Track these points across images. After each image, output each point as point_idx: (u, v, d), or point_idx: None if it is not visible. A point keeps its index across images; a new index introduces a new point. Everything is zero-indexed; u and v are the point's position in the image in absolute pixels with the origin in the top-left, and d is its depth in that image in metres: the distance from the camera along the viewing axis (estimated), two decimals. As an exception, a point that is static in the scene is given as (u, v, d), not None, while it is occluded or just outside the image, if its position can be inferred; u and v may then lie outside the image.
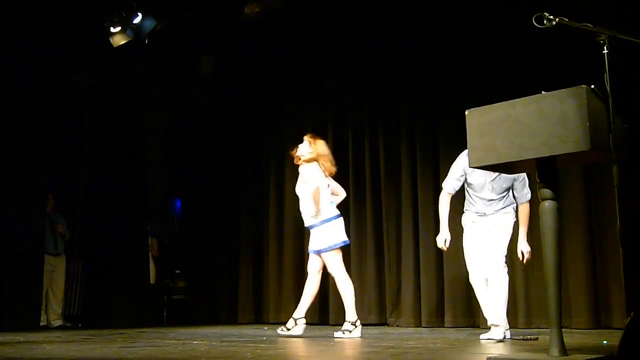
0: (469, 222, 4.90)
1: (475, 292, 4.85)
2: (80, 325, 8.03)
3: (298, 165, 5.60)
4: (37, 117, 7.49)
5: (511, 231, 4.80)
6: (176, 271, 8.20)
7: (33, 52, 7.36)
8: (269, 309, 8.01)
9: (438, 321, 6.57)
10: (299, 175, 5.52)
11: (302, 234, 7.87)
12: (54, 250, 7.80)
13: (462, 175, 4.86)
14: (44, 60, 7.52)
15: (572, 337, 4.48)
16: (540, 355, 2.86)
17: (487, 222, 4.81)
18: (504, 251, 4.73)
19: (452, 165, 4.96)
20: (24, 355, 3.81)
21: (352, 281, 7.25)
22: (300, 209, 5.56)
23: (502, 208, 4.79)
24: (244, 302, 8.30)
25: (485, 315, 4.76)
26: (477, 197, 4.84)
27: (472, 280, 4.82)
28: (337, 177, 7.58)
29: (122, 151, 8.41)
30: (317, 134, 7.74)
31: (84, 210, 8.72)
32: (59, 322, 7.75)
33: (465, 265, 6.09)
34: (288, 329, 5.42)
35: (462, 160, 4.86)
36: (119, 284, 8.08)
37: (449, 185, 4.92)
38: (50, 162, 7.70)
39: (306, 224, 5.53)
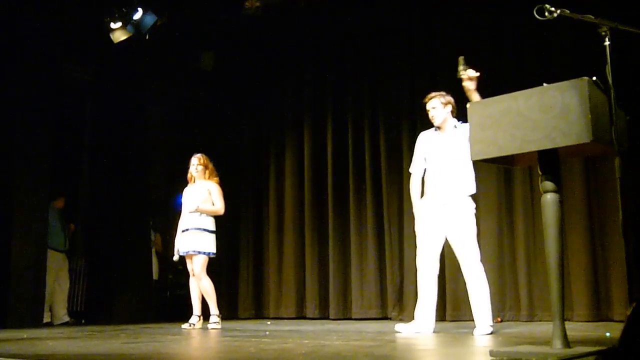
0: None
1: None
2: (83, 321, 8.05)
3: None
4: (38, 113, 7.49)
5: None
6: (179, 267, 8.20)
7: (33, 49, 7.35)
8: (269, 304, 8.04)
9: (440, 315, 6.56)
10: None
11: (302, 228, 7.88)
12: (63, 247, 7.84)
13: None
14: (44, 57, 7.51)
15: (574, 330, 4.48)
16: (543, 348, 2.86)
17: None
18: None
19: None
20: (28, 351, 3.81)
21: (353, 275, 7.33)
22: None
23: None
24: (244, 297, 8.32)
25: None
26: None
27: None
28: (338, 174, 7.61)
29: (124, 147, 8.41)
30: (317, 129, 7.83)
31: (86, 206, 8.73)
32: (67, 318, 7.75)
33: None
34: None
35: None
36: (122, 280, 8.09)
37: None
38: (52, 159, 7.70)
39: None
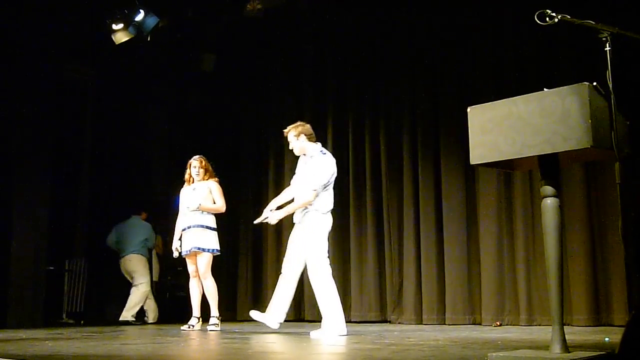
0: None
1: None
2: (82, 322, 8.05)
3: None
4: (39, 114, 7.49)
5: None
6: (178, 268, 8.20)
7: (36, 50, 7.36)
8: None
9: (439, 318, 6.58)
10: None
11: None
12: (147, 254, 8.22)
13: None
14: (46, 58, 7.52)
15: (574, 334, 4.49)
16: (542, 353, 2.86)
17: None
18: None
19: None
20: (26, 352, 3.82)
21: (352, 278, 7.33)
22: None
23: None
24: (243, 298, 8.31)
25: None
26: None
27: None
28: (338, 175, 7.60)
29: (125, 148, 8.42)
30: (318, 130, 7.84)
31: (86, 207, 8.74)
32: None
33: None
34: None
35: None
36: (121, 282, 8.09)
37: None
38: (53, 159, 7.70)
39: None
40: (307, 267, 5.13)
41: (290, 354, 3.81)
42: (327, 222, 5.15)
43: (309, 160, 5.22)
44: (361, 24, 7.59)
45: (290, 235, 5.35)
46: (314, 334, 4.84)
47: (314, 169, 5.13)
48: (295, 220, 5.26)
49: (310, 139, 5.25)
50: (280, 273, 5.42)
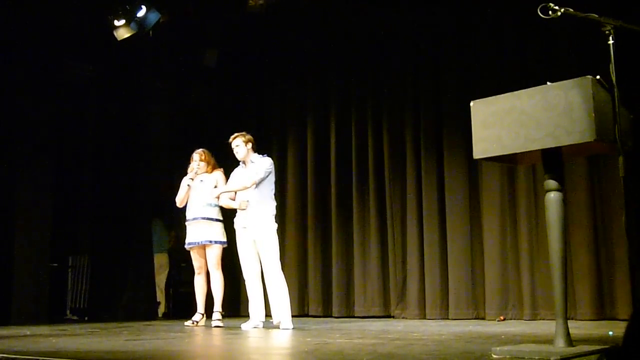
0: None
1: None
2: (86, 318, 8.06)
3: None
4: (40, 111, 7.49)
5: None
6: (182, 264, 8.20)
7: (37, 46, 7.35)
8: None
9: (443, 313, 6.59)
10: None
11: (304, 226, 7.88)
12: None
13: None
14: (47, 54, 7.52)
15: (577, 328, 4.48)
16: (545, 347, 2.86)
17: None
18: None
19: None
20: (31, 348, 3.82)
21: (356, 273, 7.33)
22: None
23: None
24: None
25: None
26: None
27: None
28: (341, 171, 7.62)
29: (127, 144, 8.40)
30: (321, 127, 7.83)
31: (89, 203, 8.73)
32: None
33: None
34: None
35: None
36: (125, 277, 8.10)
37: None
38: (55, 156, 7.70)
39: None
40: (272, 268, 5.43)
41: (294, 348, 3.81)
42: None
43: (250, 165, 5.61)
44: (363, 19, 7.57)
45: (244, 239, 5.56)
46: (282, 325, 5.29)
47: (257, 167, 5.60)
48: (245, 224, 5.51)
49: (253, 149, 5.70)
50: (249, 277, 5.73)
